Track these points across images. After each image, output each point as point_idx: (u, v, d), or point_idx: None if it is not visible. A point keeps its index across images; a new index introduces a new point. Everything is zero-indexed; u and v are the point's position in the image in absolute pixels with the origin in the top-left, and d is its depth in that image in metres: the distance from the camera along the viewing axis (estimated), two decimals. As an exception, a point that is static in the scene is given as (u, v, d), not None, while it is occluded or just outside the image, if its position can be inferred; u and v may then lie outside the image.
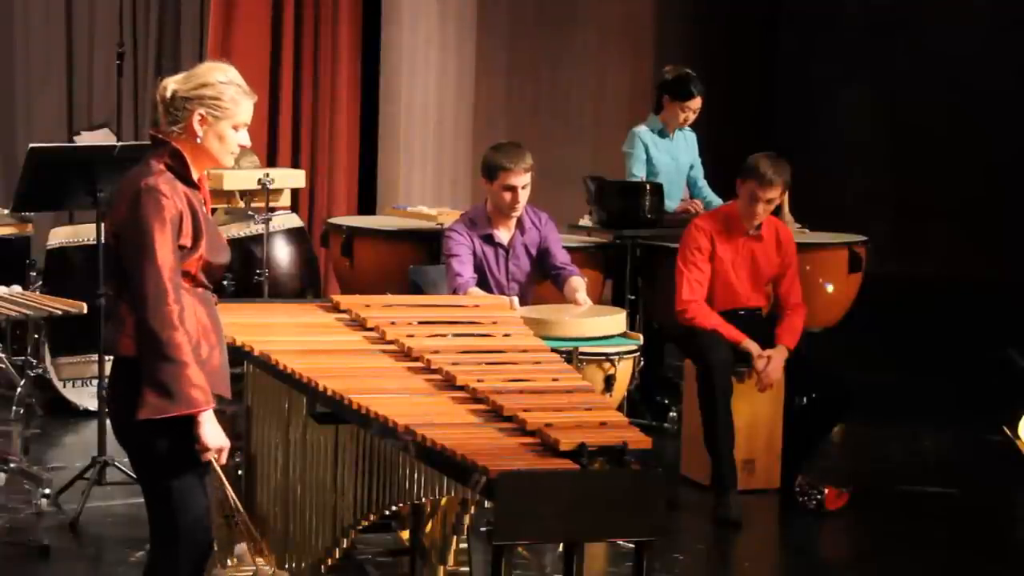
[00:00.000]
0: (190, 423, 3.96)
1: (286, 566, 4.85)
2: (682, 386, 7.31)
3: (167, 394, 3.91)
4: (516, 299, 5.77)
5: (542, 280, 6.79)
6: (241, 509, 4.43)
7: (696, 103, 8.00)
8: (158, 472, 4.06)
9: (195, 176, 4.08)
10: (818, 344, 7.52)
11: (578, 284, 6.54)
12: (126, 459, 6.28)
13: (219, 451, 4.02)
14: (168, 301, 3.92)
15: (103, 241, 4.15)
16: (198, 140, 4.06)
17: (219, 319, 4.17)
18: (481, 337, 4.92)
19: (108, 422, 6.34)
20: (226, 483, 4.13)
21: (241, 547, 4.42)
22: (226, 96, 4.06)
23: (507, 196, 6.54)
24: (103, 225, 4.18)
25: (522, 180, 6.52)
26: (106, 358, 6.40)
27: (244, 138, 4.13)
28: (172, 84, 4.09)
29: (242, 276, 7.87)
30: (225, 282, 7.62)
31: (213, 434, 3.99)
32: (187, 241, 4.02)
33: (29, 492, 6.35)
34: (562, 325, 6.04)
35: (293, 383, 4.61)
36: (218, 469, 4.05)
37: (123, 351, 4.01)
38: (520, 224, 6.67)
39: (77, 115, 9.75)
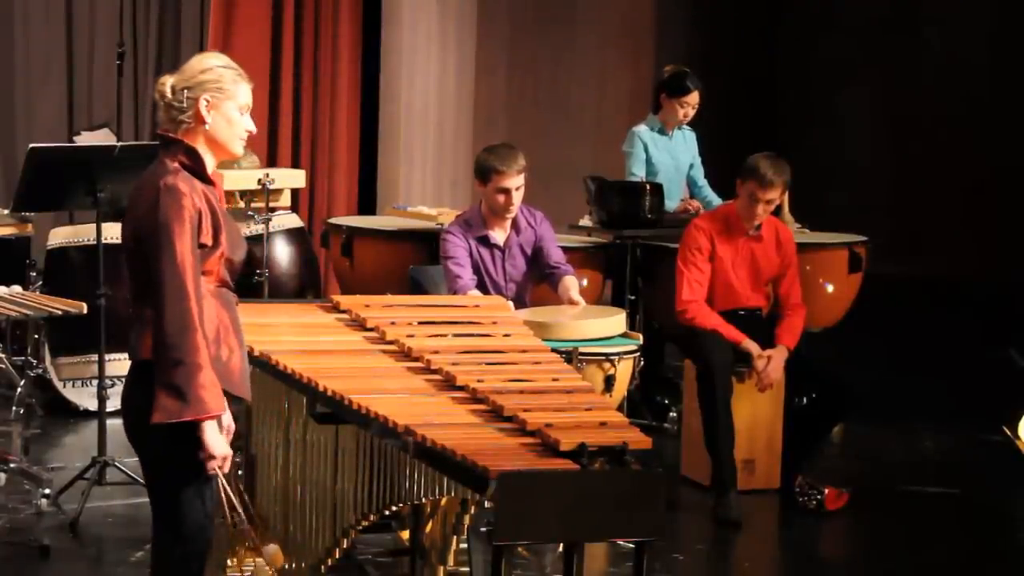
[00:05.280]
0: (196, 428, 3.88)
1: (286, 567, 4.85)
2: (682, 386, 7.30)
3: (180, 397, 3.83)
4: (511, 303, 5.76)
5: (540, 280, 6.79)
6: (243, 516, 4.39)
7: (693, 98, 7.99)
8: (164, 477, 4.01)
9: (210, 171, 4.04)
10: (818, 344, 7.52)
11: (571, 284, 6.54)
12: (126, 459, 6.38)
13: (223, 459, 3.94)
14: (188, 301, 3.84)
15: (124, 245, 4.05)
16: (207, 126, 4.01)
17: (239, 320, 4.11)
18: (481, 337, 4.91)
19: (108, 422, 6.42)
20: (229, 490, 4.06)
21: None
22: (226, 78, 4.03)
23: (501, 198, 6.54)
24: (121, 228, 4.08)
25: (515, 182, 6.52)
26: (107, 357, 6.45)
27: (250, 123, 4.09)
28: (169, 80, 4.05)
29: (242, 276, 7.83)
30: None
31: (217, 442, 3.91)
32: (207, 239, 3.96)
33: (29, 492, 6.34)
34: (562, 328, 6.03)
35: (293, 383, 4.61)
36: (220, 477, 3.97)
37: (143, 354, 3.92)
38: (515, 224, 6.67)
39: (77, 115, 9.73)
